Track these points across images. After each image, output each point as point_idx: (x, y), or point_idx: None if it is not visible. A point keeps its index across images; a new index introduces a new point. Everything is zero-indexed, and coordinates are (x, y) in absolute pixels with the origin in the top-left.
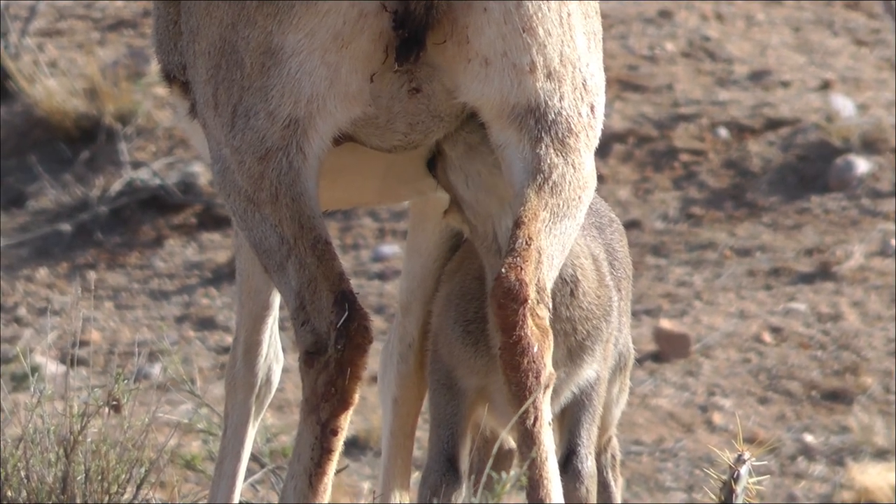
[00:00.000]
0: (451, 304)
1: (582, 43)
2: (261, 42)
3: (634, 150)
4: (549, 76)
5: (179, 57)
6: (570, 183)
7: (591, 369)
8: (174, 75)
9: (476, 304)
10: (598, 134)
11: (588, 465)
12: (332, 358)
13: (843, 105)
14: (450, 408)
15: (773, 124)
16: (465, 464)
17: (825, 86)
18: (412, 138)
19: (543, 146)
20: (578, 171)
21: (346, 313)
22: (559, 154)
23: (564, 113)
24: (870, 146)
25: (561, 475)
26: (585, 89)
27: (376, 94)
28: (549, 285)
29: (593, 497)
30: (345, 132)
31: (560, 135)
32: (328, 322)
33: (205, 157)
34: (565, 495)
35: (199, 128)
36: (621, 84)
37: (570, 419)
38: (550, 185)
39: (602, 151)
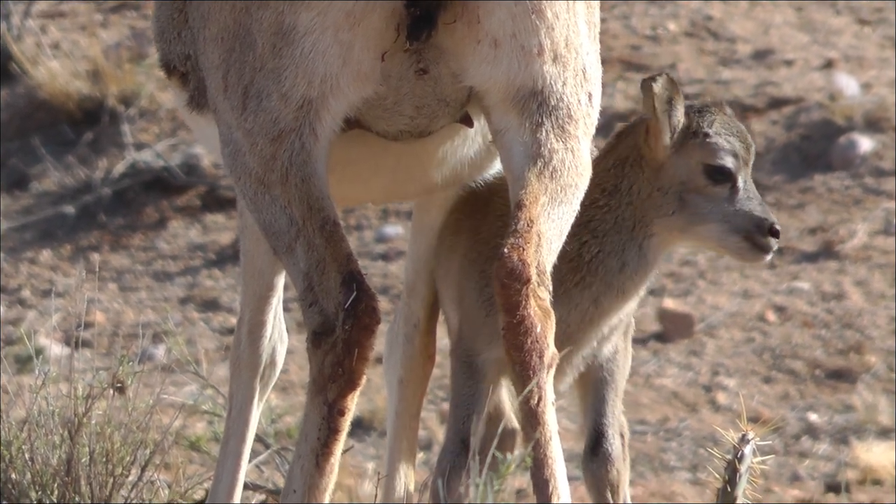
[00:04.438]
0: (475, 268)
1: (584, 30)
2: (273, 22)
3: None
4: (555, 60)
5: (182, 46)
6: (568, 169)
7: (610, 342)
8: (174, 66)
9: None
10: (595, 122)
11: (616, 445)
12: (339, 338)
13: (847, 84)
14: (468, 387)
15: (777, 103)
16: (476, 445)
17: (828, 65)
18: (418, 122)
19: (544, 131)
20: (577, 157)
21: (354, 294)
22: (559, 139)
23: (566, 99)
24: (873, 125)
25: (591, 459)
26: (585, 77)
27: (386, 73)
28: (549, 269)
29: (624, 478)
30: (353, 116)
31: (560, 120)
32: (336, 303)
33: (206, 147)
34: (597, 479)
35: (197, 118)
36: (624, 64)
37: (594, 397)
38: (550, 169)
39: (605, 131)
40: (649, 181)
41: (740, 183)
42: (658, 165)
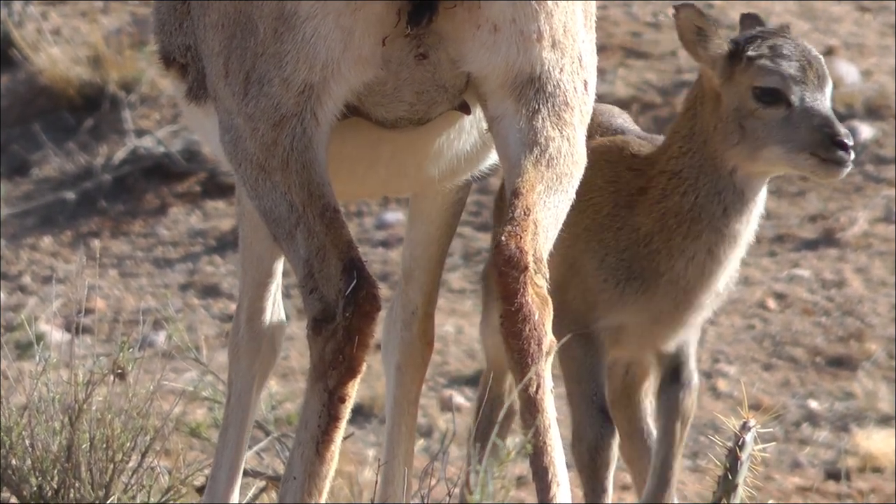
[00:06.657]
0: (592, 237)
1: (580, 18)
2: (274, 8)
3: (638, 116)
4: (553, 46)
5: (183, 37)
6: (564, 157)
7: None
8: (173, 57)
9: (613, 235)
10: (590, 112)
11: (695, 378)
12: (340, 325)
13: (847, 71)
14: (588, 358)
15: None
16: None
17: (829, 52)
18: (417, 108)
19: (540, 118)
20: (573, 145)
21: (355, 281)
22: (555, 127)
23: (562, 86)
24: (873, 112)
25: (671, 385)
26: (581, 64)
27: (386, 58)
28: (545, 257)
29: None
30: (353, 102)
31: (557, 108)
32: (336, 290)
33: (203, 138)
34: (673, 403)
35: (195, 110)
36: (625, 51)
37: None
38: (547, 158)
39: None
40: (712, 114)
41: (795, 102)
42: (715, 96)
